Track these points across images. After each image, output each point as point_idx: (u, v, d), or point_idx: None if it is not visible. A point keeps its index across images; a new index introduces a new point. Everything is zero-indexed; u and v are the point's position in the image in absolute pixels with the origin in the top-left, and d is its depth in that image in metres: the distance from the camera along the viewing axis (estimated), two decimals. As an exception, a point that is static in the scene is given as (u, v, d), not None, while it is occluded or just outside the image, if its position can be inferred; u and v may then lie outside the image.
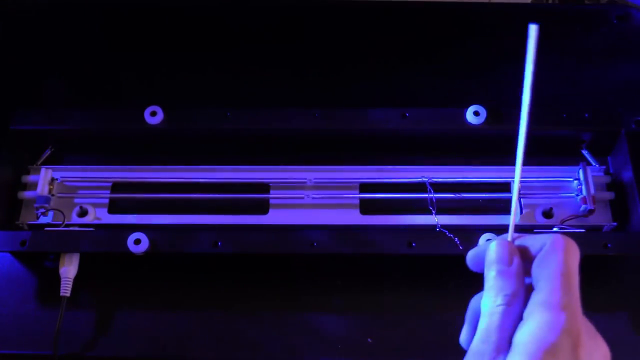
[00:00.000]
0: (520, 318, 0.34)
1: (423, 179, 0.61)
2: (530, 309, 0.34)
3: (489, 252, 0.37)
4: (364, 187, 0.62)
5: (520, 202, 0.60)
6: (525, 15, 0.73)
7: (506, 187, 0.61)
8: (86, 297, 0.59)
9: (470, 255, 0.39)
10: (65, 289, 0.58)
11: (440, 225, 0.58)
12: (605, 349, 0.36)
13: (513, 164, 0.64)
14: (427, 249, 0.57)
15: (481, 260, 0.38)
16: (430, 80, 0.70)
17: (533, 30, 0.38)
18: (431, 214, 0.59)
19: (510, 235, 0.37)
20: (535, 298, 0.34)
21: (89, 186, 0.63)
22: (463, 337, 0.38)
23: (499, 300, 0.34)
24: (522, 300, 0.35)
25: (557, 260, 0.34)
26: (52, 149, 0.65)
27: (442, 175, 0.62)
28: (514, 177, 0.61)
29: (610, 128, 0.62)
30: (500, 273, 0.36)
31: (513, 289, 0.35)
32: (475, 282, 0.61)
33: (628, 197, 0.60)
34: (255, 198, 0.62)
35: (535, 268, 0.35)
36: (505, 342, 0.33)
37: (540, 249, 0.35)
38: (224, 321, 0.59)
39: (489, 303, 0.35)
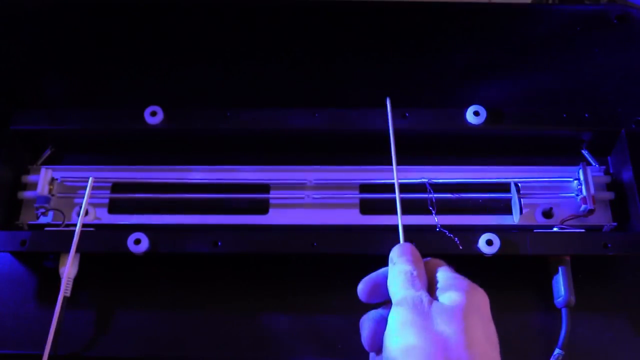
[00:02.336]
0: None
1: (423, 179, 0.61)
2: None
3: (397, 249, 0.43)
4: (364, 187, 0.62)
5: (520, 202, 0.60)
6: (525, 15, 0.73)
7: (506, 187, 0.61)
8: (86, 297, 0.59)
9: (366, 283, 0.43)
10: (65, 289, 0.58)
11: (440, 225, 0.58)
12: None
13: (513, 164, 0.65)
14: (427, 249, 0.57)
15: (379, 285, 0.43)
16: (430, 80, 0.70)
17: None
18: (431, 214, 0.59)
19: (401, 239, 0.45)
20: (443, 276, 0.42)
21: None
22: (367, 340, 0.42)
23: (415, 273, 0.41)
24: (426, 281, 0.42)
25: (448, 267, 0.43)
26: (52, 149, 0.65)
27: (442, 176, 0.62)
28: (514, 178, 0.62)
29: (610, 128, 0.62)
30: (410, 260, 0.42)
31: (420, 270, 0.42)
32: (476, 282, 0.61)
33: (628, 197, 0.60)
34: (255, 198, 0.62)
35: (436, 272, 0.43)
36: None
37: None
38: (224, 321, 0.59)
39: (405, 272, 0.41)
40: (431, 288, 0.41)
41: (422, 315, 0.38)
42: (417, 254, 0.43)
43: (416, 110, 0.62)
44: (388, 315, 0.40)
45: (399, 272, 0.41)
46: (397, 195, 0.47)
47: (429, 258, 0.44)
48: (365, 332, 0.42)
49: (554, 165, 0.63)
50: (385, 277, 0.42)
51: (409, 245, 0.43)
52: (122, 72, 0.70)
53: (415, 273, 0.41)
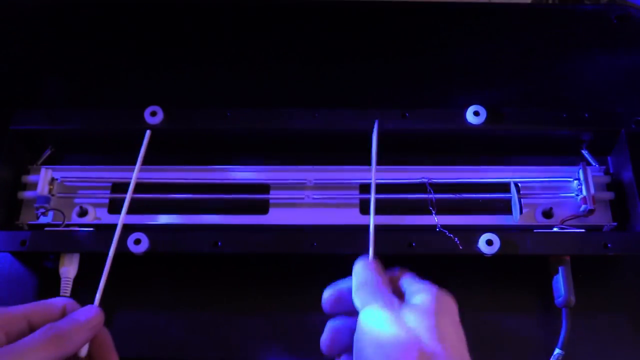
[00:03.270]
0: None
1: (423, 179, 0.61)
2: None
3: (359, 262, 0.45)
4: (364, 187, 0.62)
5: (520, 202, 0.60)
6: (525, 15, 0.73)
7: (506, 187, 0.61)
8: (86, 297, 0.59)
9: (330, 293, 0.45)
10: (65, 289, 0.58)
11: (440, 225, 0.58)
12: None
13: (513, 164, 0.65)
14: (427, 249, 0.57)
15: (342, 296, 0.44)
16: (430, 80, 0.70)
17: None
18: (431, 214, 0.59)
19: (371, 255, 0.46)
20: (409, 284, 0.44)
21: (89, 186, 0.63)
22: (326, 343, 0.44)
23: (381, 280, 0.43)
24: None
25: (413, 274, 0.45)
26: (52, 149, 0.65)
27: (442, 175, 0.62)
28: (514, 178, 0.62)
29: (610, 128, 0.62)
30: (373, 270, 0.44)
31: (385, 279, 0.44)
32: (476, 282, 0.62)
33: (628, 197, 0.60)
34: (255, 198, 0.62)
35: (402, 281, 0.45)
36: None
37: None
38: (223, 321, 0.59)
39: (370, 281, 0.43)
40: (398, 295, 0.42)
41: (395, 313, 0.40)
42: (380, 266, 0.44)
43: (416, 111, 0.62)
44: (350, 321, 0.42)
45: (364, 282, 0.43)
46: (372, 214, 0.48)
47: (394, 268, 0.45)
48: (325, 335, 0.44)
49: (554, 165, 0.63)
50: (349, 289, 0.43)
51: (371, 260, 0.45)
52: (122, 72, 0.70)
53: (380, 281, 0.43)
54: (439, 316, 0.40)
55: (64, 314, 0.43)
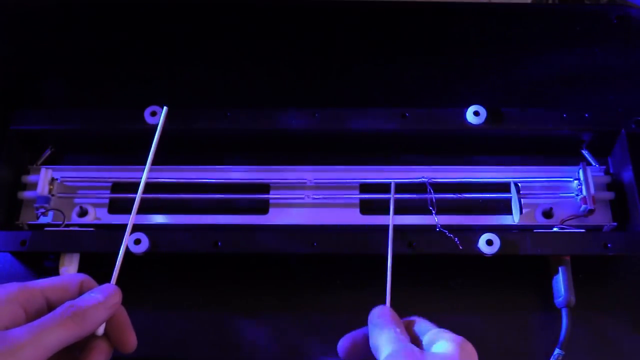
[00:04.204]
0: None
1: (423, 179, 0.61)
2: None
3: (376, 311, 0.45)
4: (364, 187, 0.62)
5: (520, 202, 0.60)
6: (525, 15, 0.73)
7: (506, 187, 0.61)
8: (86, 297, 0.59)
9: (345, 342, 0.46)
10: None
11: (440, 225, 0.58)
12: None
13: (513, 164, 0.65)
14: (427, 249, 0.57)
15: (358, 344, 0.45)
16: (430, 80, 0.70)
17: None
18: (431, 214, 0.59)
19: (388, 301, 0.46)
20: (428, 331, 0.43)
21: (89, 186, 0.63)
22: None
23: (399, 330, 0.42)
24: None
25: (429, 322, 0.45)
26: (52, 149, 0.65)
27: (442, 175, 0.62)
28: (514, 178, 0.62)
29: (610, 128, 0.62)
30: (390, 321, 0.44)
31: (403, 329, 0.43)
32: (476, 282, 0.62)
33: (628, 197, 0.60)
34: (255, 198, 0.62)
35: (416, 327, 0.44)
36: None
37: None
38: (224, 321, 0.59)
39: (388, 331, 0.43)
40: (415, 342, 0.42)
41: None
42: (396, 315, 0.44)
43: (416, 110, 0.62)
44: None
45: (381, 330, 0.42)
46: (390, 254, 0.49)
47: (407, 318, 0.45)
48: None
49: (554, 165, 0.63)
50: (365, 337, 0.44)
51: (387, 308, 0.45)
52: (122, 72, 0.70)
53: (398, 330, 0.42)
54: None
55: (81, 290, 0.43)
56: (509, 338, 0.58)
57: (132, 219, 0.48)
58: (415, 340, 0.42)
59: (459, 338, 0.41)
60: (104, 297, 0.42)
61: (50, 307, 0.41)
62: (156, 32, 0.72)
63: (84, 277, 0.44)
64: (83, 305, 0.41)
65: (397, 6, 0.72)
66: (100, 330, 0.43)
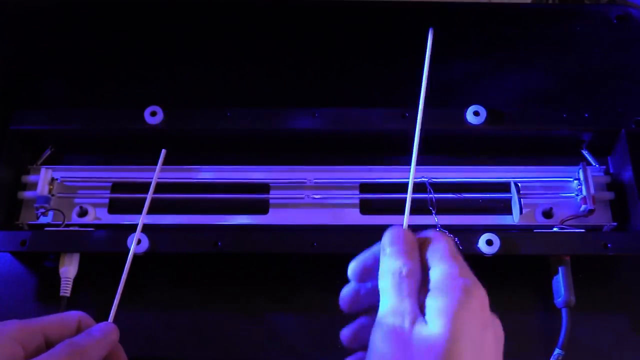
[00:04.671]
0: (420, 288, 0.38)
1: (423, 179, 0.61)
2: (434, 267, 0.38)
3: (389, 235, 0.40)
4: (364, 187, 0.62)
5: (520, 202, 0.60)
6: (526, 15, 0.73)
7: (506, 187, 0.61)
8: (86, 297, 0.59)
9: (357, 264, 0.42)
10: (65, 289, 0.58)
11: (440, 225, 0.58)
12: (500, 330, 0.41)
13: (513, 164, 0.65)
14: (427, 249, 0.57)
15: (368, 267, 0.41)
16: (430, 80, 0.69)
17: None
18: (431, 214, 0.59)
19: (405, 224, 0.41)
20: (436, 270, 0.38)
21: (89, 186, 0.63)
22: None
23: (404, 271, 0.38)
24: (420, 275, 0.38)
25: (444, 246, 0.40)
26: (52, 149, 0.65)
27: (442, 175, 0.62)
28: (514, 178, 0.62)
29: (610, 128, 0.62)
30: (402, 251, 0.39)
31: (414, 262, 0.38)
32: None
33: (628, 197, 0.60)
34: (255, 198, 0.62)
35: (430, 253, 0.39)
36: (416, 300, 0.37)
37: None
38: (223, 321, 0.59)
39: (393, 271, 0.38)
40: (425, 283, 0.38)
41: (401, 343, 0.36)
42: (412, 240, 0.39)
43: (416, 111, 0.62)
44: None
45: (388, 269, 0.38)
46: (412, 169, 0.43)
47: (426, 232, 0.40)
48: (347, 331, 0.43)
49: (554, 165, 0.63)
50: (375, 260, 0.40)
51: (401, 231, 0.39)
52: (122, 72, 0.70)
53: (405, 270, 0.37)
54: (451, 353, 0.34)
55: (79, 328, 0.44)
56: (508, 338, 0.58)
57: (140, 223, 0.49)
58: (426, 281, 0.38)
59: (455, 300, 0.36)
60: (102, 335, 0.43)
61: (49, 344, 0.42)
62: (156, 32, 0.72)
63: (81, 315, 0.45)
64: (82, 343, 0.42)
65: (397, 6, 0.72)
66: None
